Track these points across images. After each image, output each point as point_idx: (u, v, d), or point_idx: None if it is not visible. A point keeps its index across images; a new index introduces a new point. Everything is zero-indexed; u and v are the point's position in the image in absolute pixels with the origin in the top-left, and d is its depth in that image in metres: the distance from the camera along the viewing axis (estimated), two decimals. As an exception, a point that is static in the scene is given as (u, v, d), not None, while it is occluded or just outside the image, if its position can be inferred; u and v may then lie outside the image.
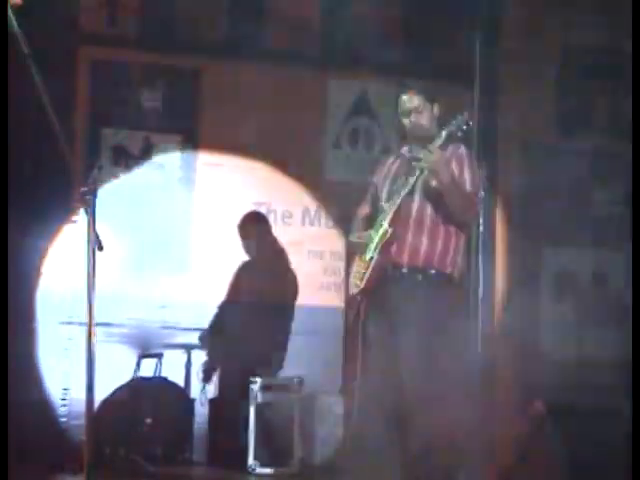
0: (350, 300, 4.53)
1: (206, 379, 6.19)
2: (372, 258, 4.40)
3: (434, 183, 4.33)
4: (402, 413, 4.26)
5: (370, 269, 4.39)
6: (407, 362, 4.26)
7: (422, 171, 4.32)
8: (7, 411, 3.33)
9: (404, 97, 4.53)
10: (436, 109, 4.54)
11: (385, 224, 4.40)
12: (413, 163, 4.39)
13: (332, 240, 6.51)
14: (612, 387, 5.62)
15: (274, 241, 6.48)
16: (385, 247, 4.39)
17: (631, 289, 4.08)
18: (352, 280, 4.53)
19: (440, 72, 6.27)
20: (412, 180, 4.39)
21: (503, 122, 6.10)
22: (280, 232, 6.51)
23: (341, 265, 6.36)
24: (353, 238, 4.63)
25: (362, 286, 4.40)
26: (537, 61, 6.22)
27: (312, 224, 6.63)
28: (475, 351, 5.80)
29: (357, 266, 4.51)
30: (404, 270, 4.40)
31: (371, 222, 4.56)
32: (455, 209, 4.37)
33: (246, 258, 6.39)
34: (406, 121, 4.54)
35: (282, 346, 6.33)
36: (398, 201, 4.41)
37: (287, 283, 6.45)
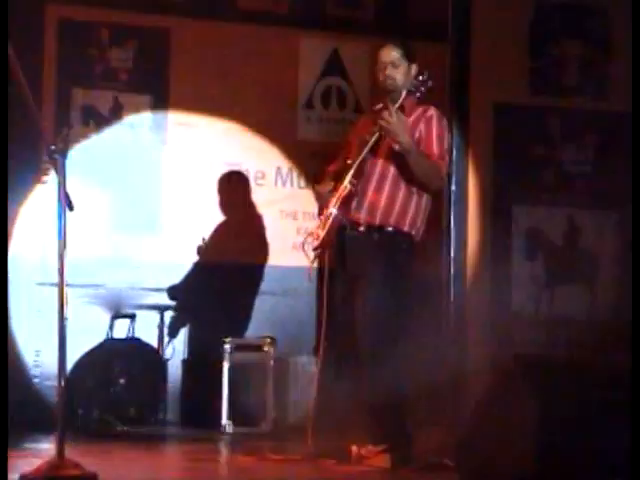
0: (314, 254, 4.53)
1: (173, 335, 6.19)
2: (331, 213, 4.41)
3: (397, 146, 4.31)
4: (363, 368, 4.29)
5: (329, 223, 4.40)
6: (364, 319, 4.28)
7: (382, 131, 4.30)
8: (7, 410, 3.31)
9: (383, 50, 4.51)
10: (414, 70, 4.49)
11: (346, 180, 4.40)
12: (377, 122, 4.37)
13: (305, 200, 6.50)
14: (581, 343, 5.69)
15: (250, 202, 6.48)
16: (343, 203, 4.39)
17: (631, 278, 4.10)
18: (315, 231, 4.54)
19: (412, 30, 6.25)
20: (374, 139, 4.36)
21: (475, 81, 6.08)
22: (253, 192, 6.51)
23: (314, 225, 6.36)
24: (317, 188, 4.64)
25: (320, 239, 4.42)
26: (509, 19, 6.19)
27: (284, 184, 6.61)
28: (440, 310, 5.84)
29: (320, 220, 4.53)
30: (361, 228, 4.41)
31: (338, 178, 4.56)
32: (420, 176, 4.35)
33: (219, 218, 6.38)
34: (380, 75, 4.51)
35: (254, 306, 6.35)
36: (359, 158, 4.39)
37: (259, 244, 6.47)
